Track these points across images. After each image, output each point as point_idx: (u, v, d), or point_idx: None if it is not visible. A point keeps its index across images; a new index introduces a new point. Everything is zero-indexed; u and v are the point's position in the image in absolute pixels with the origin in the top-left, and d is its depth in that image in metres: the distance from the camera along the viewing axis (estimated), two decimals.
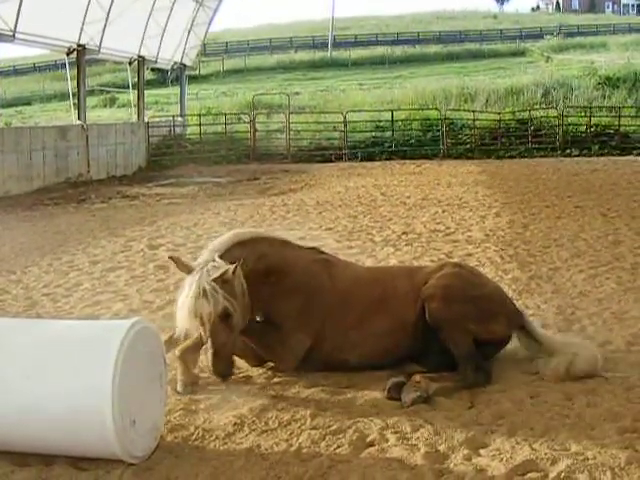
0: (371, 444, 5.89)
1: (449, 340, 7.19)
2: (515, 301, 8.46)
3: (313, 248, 8.10)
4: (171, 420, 6.35)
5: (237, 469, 5.48)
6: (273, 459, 5.63)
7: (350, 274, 8.01)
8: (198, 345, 7.20)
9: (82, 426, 5.33)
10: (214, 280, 6.70)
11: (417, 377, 6.86)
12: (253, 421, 6.34)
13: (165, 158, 36.76)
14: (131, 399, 5.43)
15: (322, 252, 8.12)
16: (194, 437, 6.08)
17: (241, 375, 7.50)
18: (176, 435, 6.12)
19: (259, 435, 6.08)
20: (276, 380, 7.10)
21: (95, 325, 6.74)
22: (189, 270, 6.87)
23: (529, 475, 5.32)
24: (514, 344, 7.80)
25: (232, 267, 6.78)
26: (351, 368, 7.40)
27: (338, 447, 5.83)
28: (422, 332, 7.36)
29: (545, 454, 5.58)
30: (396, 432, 6.06)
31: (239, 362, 7.80)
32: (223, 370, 6.73)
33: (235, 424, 6.28)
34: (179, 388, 7.05)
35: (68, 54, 30.68)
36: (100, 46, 31.34)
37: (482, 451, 5.73)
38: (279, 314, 7.31)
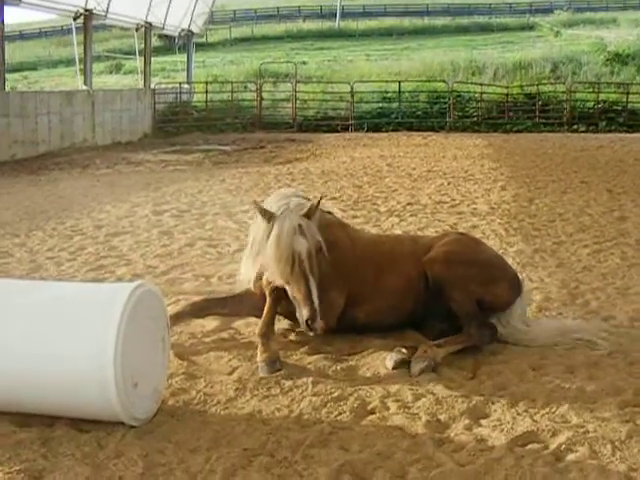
0: (372, 412, 5.90)
1: (452, 300, 7.22)
2: (519, 273, 8.44)
3: (329, 212, 8.08)
4: (172, 384, 6.34)
5: (238, 434, 5.49)
6: (274, 424, 5.64)
7: (362, 236, 8.25)
8: (273, 318, 7.09)
9: (84, 388, 5.33)
10: (304, 216, 6.69)
11: (424, 347, 6.88)
12: (255, 386, 6.34)
13: (171, 125, 36.70)
14: (134, 361, 5.42)
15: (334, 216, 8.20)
16: (195, 401, 6.08)
17: (243, 341, 7.51)
18: (177, 399, 6.12)
19: (260, 400, 6.08)
20: (278, 347, 7.09)
21: (98, 287, 6.74)
22: (270, 217, 6.70)
23: (529, 446, 5.32)
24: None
25: (316, 202, 6.81)
26: (359, 326, 7.41)
27: (339, 414, 5.83)
28: (424, 294, 7.39)
29: (546, 426, 5.59)
30: (397, 400, 6.06)
31: (241, 328, 7.84)
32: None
33: (237, 389, 6.29)
34: (263, 372, 6.61)
35: (75, 19, 30.51)
36: (107, 11, 31.23)
37: (483, 421, 5.74)
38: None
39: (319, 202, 6.88)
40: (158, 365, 5.92)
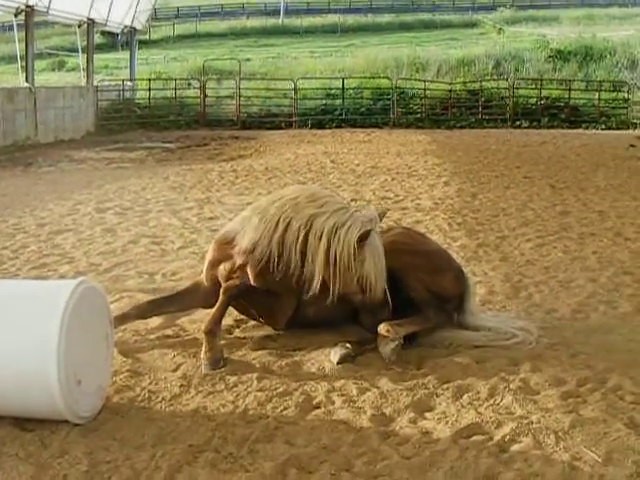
0: (317, 406, 5.92)
1: (405, 287, 7.24)
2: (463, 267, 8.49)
3: None
4: (117, 381, 6.31)
5: (183, 430, 5.48)
6: (219, 420, 5.63)
7: None
8: (223, 316, 7.12)
9: (27, 386, 5.27)
10: None
11: (385, 326, 6.91)
12: (199, 383, 6.33)
13: (114, 122, 36.39)
14: (77, 358, 5.38)
15: None
16: (140, 398, 6.05)
17: (187, 337, 7.49)
18: (122, 396, 6.09)
19: (205, 397, 6.08)
20: (223, 342, 7.08)
21: (41, 284, 6.68)
22: (366, 237, 6.71)
23: (474, 438, 5.37)
24: None
25: (382, 214, 7.16)
26: (308, 323, 7.41)
27: (284, 409, 5.84)
28: None
29: (490, 417, 5.65)
30: (342, 395, 6.09)
31: (186, 325, 7.81)
32: None
33: (181, 386, 6.27)
34: (206, 369, 6.62)
35: (16, 15, 30.02)
36: (49, 7, 30.78)
37: (428, 414, 5.78)
38: None
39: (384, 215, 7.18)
40: (102, 362, 5.88)
